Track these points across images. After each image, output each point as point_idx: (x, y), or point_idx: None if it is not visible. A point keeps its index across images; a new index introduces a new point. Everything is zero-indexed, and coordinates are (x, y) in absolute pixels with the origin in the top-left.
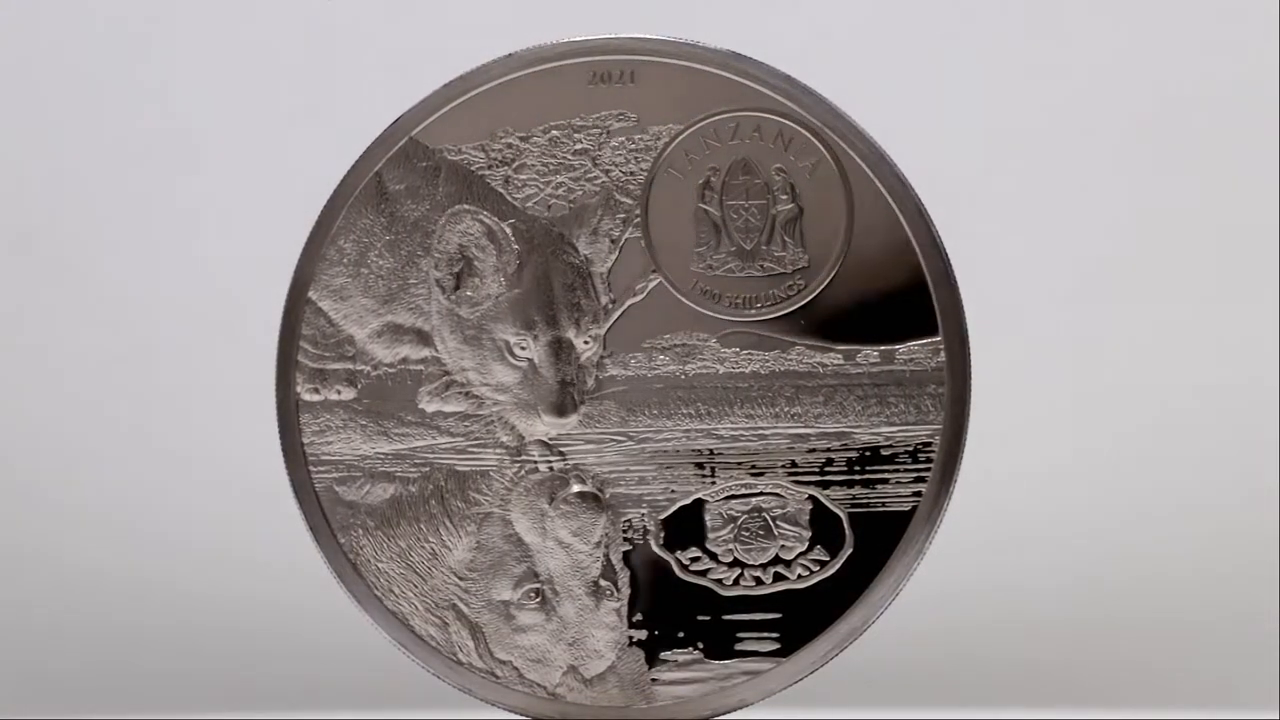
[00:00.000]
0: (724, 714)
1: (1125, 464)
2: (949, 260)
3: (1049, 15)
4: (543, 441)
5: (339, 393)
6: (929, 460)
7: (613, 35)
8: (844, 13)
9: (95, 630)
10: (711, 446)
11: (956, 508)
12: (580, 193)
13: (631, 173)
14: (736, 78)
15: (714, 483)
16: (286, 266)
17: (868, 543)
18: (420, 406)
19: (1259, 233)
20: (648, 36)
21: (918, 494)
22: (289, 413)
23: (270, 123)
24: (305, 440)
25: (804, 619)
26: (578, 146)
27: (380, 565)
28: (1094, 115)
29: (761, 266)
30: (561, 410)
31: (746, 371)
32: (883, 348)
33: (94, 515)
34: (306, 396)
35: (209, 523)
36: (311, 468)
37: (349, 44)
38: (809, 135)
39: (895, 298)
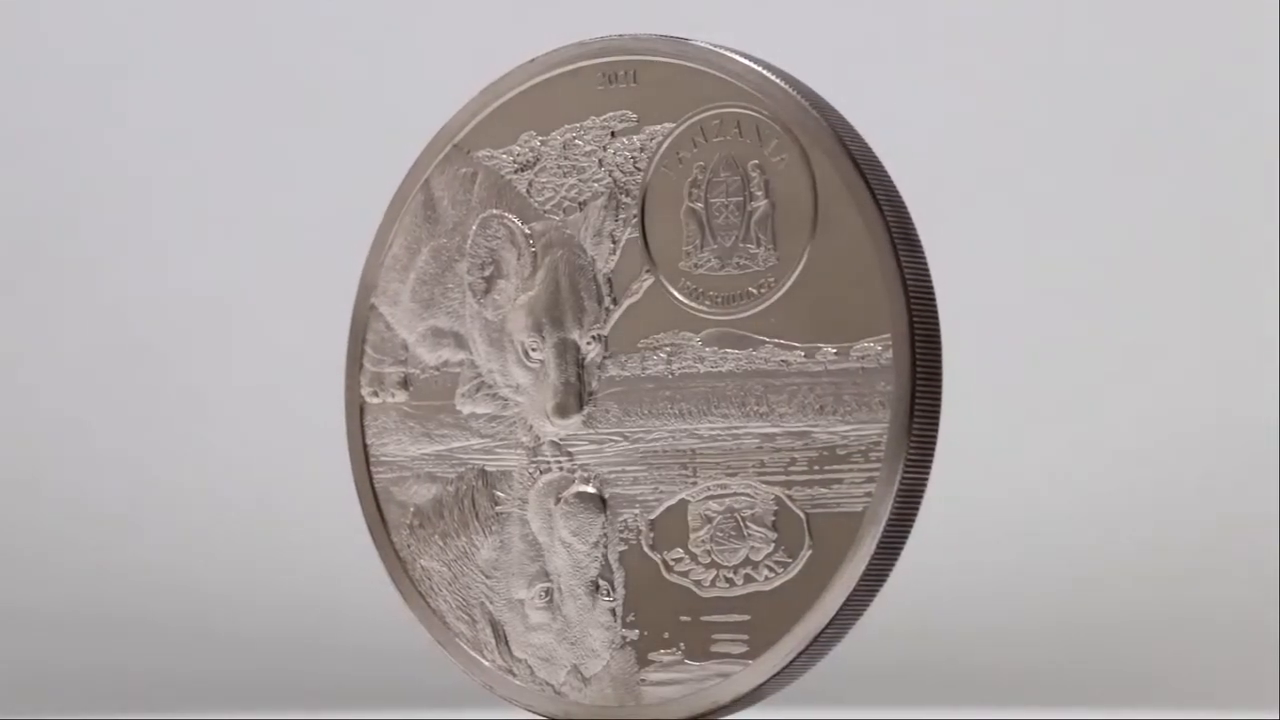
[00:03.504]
0: (701, 715)
1: (1111, 462)
2: (899, 254)
3: (1033, 16)
4: (554, 442)
5: (393, 395)
6: (879, 460)
7: (614, 35)
8: (845, 10)
9: (144, 624)
10: (694, 446)
11: (934, 509)
12: (588, 194)
13: (631, 173)
14: (719, 73)
15: (695, 483)
16: (338, 270)
17: (825, 544)
18: (457, 408)
19: (1237, 232)
20: (642, 35)
21: (869, 494)
22: (354, 415)
23: (311, 130)
24: (368, 441)
25: (770, 621)
26: (587, 148)
27: (423, 564)
28: (1076, 115)
29: (738, 264)
30: (563, 411)
31: (723, 370)
32: (840, 344)
33: (159, 513)
34: (368, 399)
35: (275, 525)
36: (372, 468)
37: (379, 51)
38: (780, 130)
39: (855, 293)
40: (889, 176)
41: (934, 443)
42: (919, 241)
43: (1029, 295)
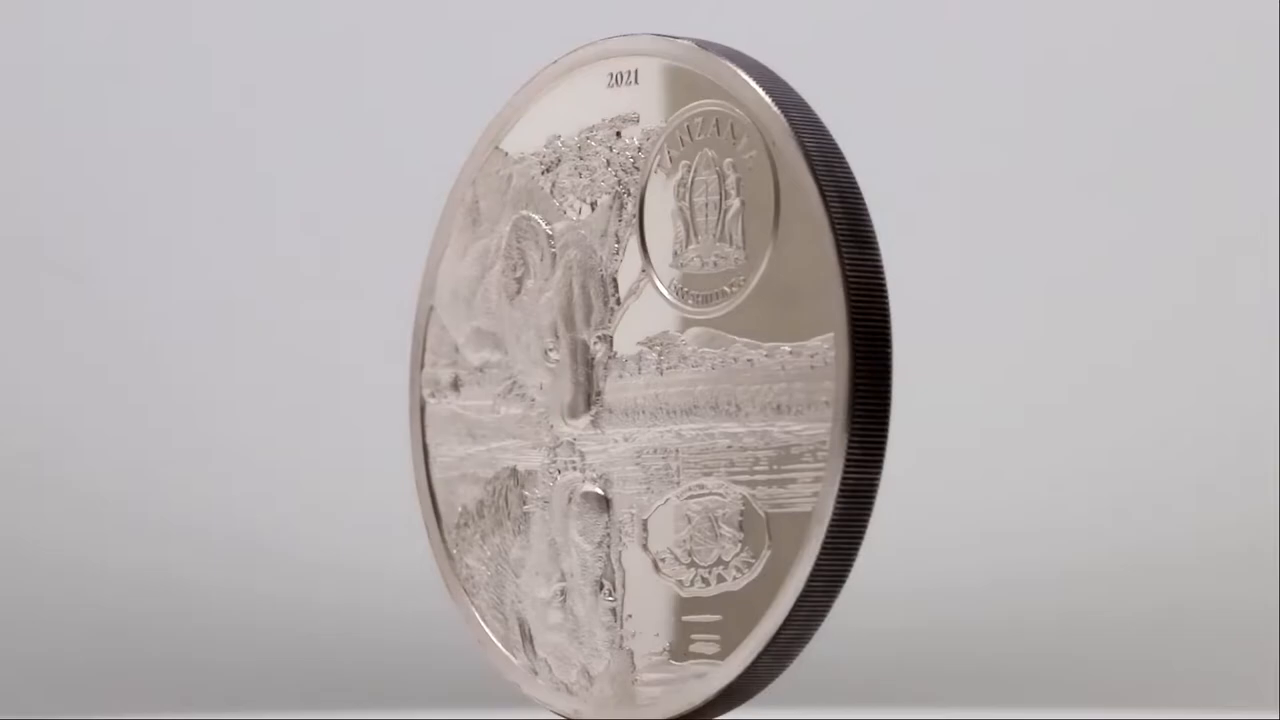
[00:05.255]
0: (680, 716)
1: (1110, 462)
2: (843, 252)
3: (1011, 30)
4: (568, 442)
5: (446, 396)
6: (824, 459)
7: (616, 35)
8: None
9: (176, 624)
10: (678, 446)
11: (931, 508)
12: (598, 194)
13: (632, 172)
14: (701, 71)
15: (679, 483)
16: (398, 273)
17: (781, 544)
18: (495, 409)
19: (1236, 228)
20: (637, 34)
21: (816, 494)
22: (416, 415)
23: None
24: (427, 441)
25: (737, 621)
26: (597, 149)
27: (467, 561)
28: (1068, 114)
29: (714, 263)
30: (573, 411)
31: (701, 370)
32: (795, 343)
33: (232, 507)
34: (427, 399)
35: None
36: (431, 468)
37: (411, 54)
38: (750, 127)
39: (809, 292)
40: (849, 173)
41: (881, 442)
42: (872, 240)
43: (1025, 290)
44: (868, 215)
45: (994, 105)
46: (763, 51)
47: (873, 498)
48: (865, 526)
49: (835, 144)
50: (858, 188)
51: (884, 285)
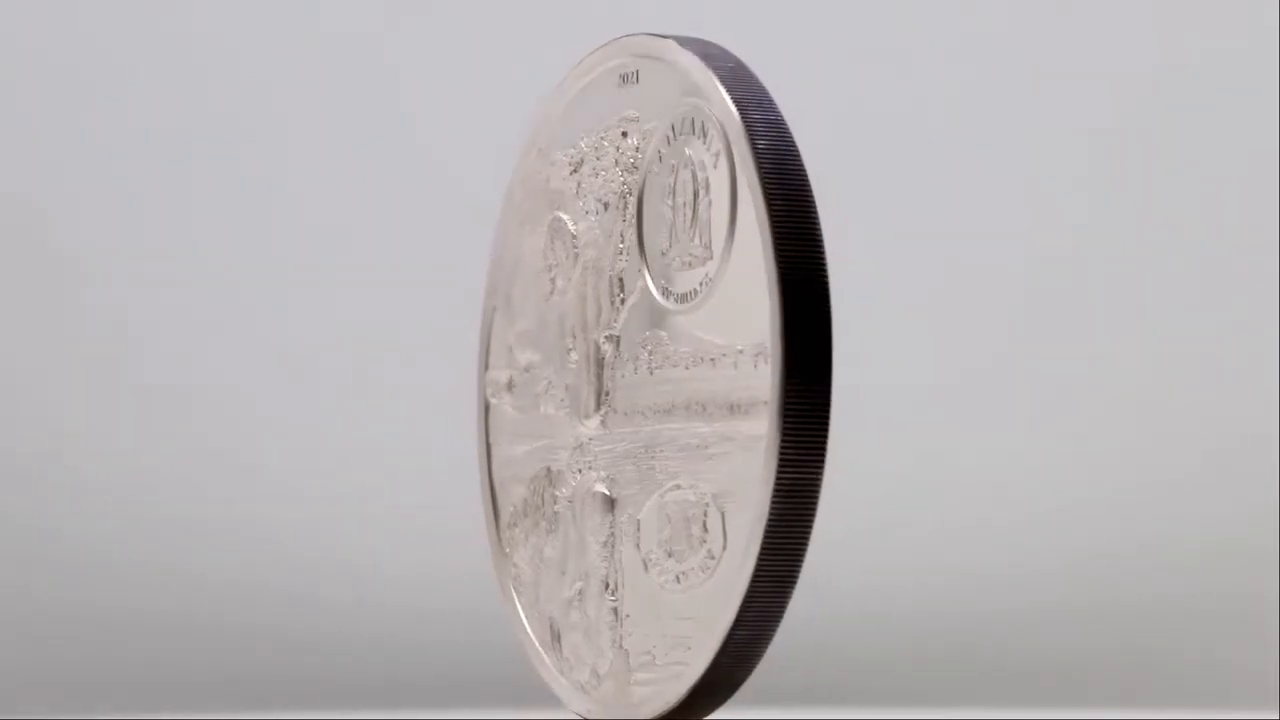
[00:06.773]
0: (663, 716)
1: (1109, 462)
2: (781, 251)
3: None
4: (586, 443)
5: (502, 397)
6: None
7: (621, 35)
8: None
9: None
10: (661, 446)
11: (930, 506)
12: (608, 194)
13: (632, 172)
14: (682, 70)
15: (663, 483)
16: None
17: (735, 545)
18: (538, 409)
19: (1234, 227)
20: (635, 34)
21: (758, 494)
22: (481, 415)
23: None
24: (490, 441)
25: (703, 621)
26: (609, 149)
27: (515, 560)
28: (1054, 112)
29: (689, 263)
30: (587, 412)
31: (678, 369)
32: (746, 343)
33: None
34: (490, 399)
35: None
36: (493, 468)
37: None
38: (715, 126)
39: (759, 292)
40: (800, 172)
41: (819, 441)
42: (816, 238)
43: (1024, 285)
44: (814, 214)
45: (992, 104)
46: (767, 50)
47: (815, 496)
48: (810, 525)
49: (791, 142)
50: (807, 186)
51: (826, 284)
